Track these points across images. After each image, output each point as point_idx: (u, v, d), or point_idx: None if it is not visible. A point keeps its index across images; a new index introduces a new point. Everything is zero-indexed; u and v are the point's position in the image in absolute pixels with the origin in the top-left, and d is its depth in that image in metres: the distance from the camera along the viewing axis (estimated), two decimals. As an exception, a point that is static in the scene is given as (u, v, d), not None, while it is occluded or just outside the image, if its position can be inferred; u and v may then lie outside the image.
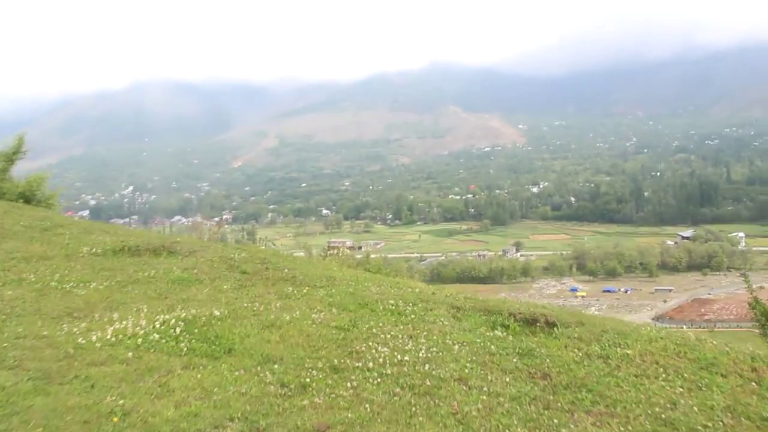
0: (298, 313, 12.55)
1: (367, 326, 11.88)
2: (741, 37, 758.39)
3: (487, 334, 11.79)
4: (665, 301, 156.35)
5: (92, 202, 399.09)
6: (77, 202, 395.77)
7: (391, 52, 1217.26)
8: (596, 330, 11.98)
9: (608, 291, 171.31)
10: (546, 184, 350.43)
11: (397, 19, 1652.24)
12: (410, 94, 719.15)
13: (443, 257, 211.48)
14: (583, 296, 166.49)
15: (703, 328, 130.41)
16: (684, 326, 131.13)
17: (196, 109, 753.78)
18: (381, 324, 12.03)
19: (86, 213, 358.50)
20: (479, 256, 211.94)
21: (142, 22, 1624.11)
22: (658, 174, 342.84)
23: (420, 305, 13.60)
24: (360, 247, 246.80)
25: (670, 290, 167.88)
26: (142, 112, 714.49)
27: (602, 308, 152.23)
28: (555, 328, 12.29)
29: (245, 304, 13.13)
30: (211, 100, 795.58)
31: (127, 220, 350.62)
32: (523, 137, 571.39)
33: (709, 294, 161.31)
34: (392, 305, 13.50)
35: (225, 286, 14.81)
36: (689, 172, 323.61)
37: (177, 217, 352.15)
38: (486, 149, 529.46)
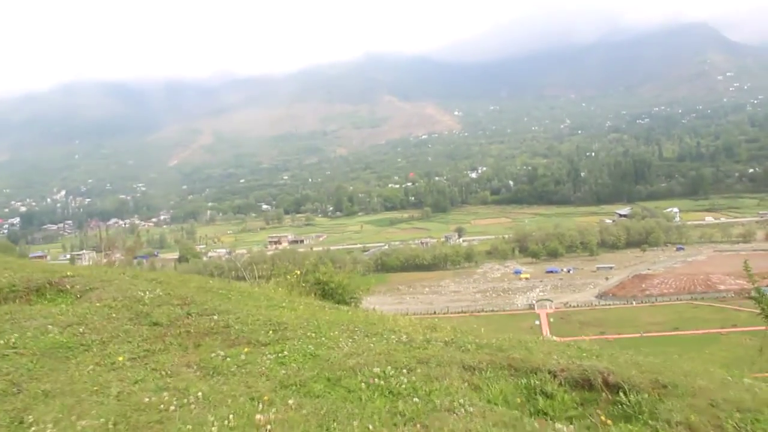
0: (232, 414, 7.19)
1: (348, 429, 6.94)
2: (665, 19, 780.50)
3: (526, 420, 7.24)
4: (607, 279, 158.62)
5: (23, 209, 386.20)
6: (6, 210, 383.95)
7: (326, 44, 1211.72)
8: (698, 401, 7.72)
9: (551, 272, 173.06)
10: (484, 168, 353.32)
11: (332, 10, 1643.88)
12: (345, 85, 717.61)
13: (386, 246, 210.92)
14: (527, 278, 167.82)
15: (645, 303, 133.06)
16: (627, 302, 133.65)
17: (128, 108, 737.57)
18: (370, 425, 6.93)
19: (17, 220, 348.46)
20: (422, 243, 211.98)
21: (67, 21, 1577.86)
22: (593, 154, 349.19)
23: (419, 371, 8.83)
24: (302, 241, 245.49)
25: (611, 267, 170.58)
26: (71, 114, 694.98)
27: (546, 289, 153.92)
28: (625, 395, 8.03)
29: (147, 399, 7.65)
30: (142, 98, 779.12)
31: (61, 225, 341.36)
32: (459, 124, 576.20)
33: (649, 269, 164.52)
34: (378, 377, 8.58)
35: (121, 357, 9.37)
36: (623, 151, 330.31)
37: (113, 220, 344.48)
38: (423, 137, 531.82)
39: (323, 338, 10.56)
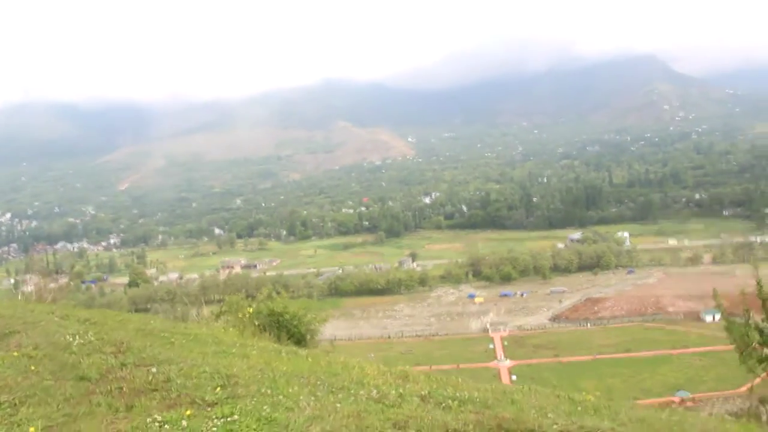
0: None
1: None
2: (614, 50, 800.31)
3: None
4: (560, 302, 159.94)
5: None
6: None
7: (284, 69, 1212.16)
8: None
9: (505, 295, 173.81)
10: (438, 194, 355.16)
11: (290, 35, 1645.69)
12: (301, 110, 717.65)
13: (340, 271, 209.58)
14: (480, 302, 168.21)
15: (598, 325, 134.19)
16: (580, 325, 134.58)
17: (77, 130, 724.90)
18: None
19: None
20: (376, 268, 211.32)
21: (13, 39, 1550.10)
22: (545, 180, 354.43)
23: None
24: (255, 266, 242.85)
25: (564, 291, 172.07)
26: (18, 135, 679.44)
27: (500, 312, 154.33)
28: None
29: None
30: (92, 120, 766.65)
31: (6, 248, 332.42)
32: (412, 150, 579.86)
33: (601, 292, 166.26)
34: None
35: (32, 428, 7.46)
36: (574, 177, 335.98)
37: (61, 243, 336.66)
38: (377, 163, 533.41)
39: (280, 396, 8.75)
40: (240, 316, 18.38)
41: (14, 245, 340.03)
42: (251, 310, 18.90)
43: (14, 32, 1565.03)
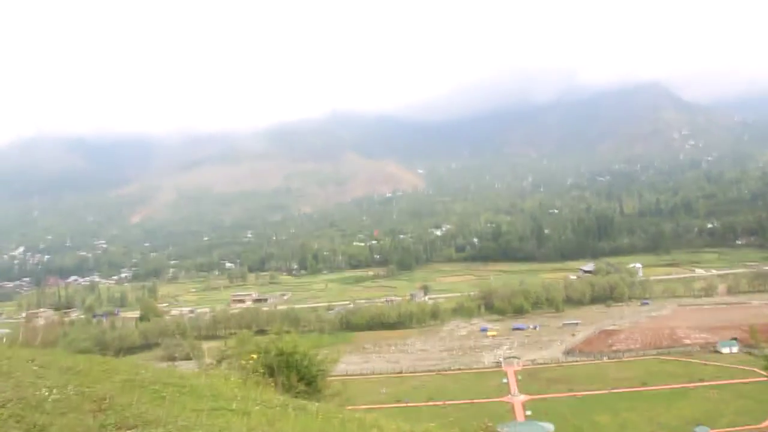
0: None
1: None
2: (619, 78, 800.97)
3: None
4: (573, 335, 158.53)
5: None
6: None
7: (292, 102, 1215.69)
8: None
9: (518, 329, 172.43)
10: (448, 226, 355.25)
11: (299, 68, 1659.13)
12: (309, 142, 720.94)
13: (351, 305, 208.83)
14: (494, 335, 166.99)
15: (612, 358, 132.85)
16: (594, 358, 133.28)
17: (88, 164, 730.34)
18: None
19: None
20: (388, 301, 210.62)
21: (23, 74, 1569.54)
22: (556, 211, 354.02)
23: None
24: (266, 300, 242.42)
25: (577, 323, 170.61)
26: (30, 169, 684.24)
27: (513, 346, 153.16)
28: None
29: None
30: (103, 154, 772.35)
31: (18, 282, 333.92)
32: (422, 181, 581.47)
33: (614, 325, 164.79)
34: None
35: None
36: (585, 208, 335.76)
37: (73, 277, 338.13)
38: (387, 195, 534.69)
39: None
40: (244, 362, 17.03)
41: (27, 279, 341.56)
42: (255, 356, 17.46)
43: (27, 68, 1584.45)
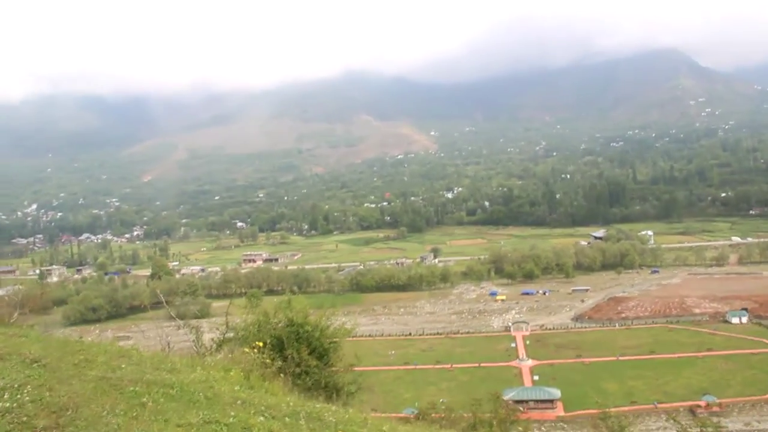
0: None
1: None
2: (637, 44, 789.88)
3: None
4: (583, 301, 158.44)
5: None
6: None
7: (305, 61, 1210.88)
8: None
9: (527, 293, 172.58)
10: (460, 189, 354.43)
11: (312, 26, 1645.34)
12: (322, 103, 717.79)
13: (361, 266, 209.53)
14: (502, 300, 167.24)
15: (621, 325, 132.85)
16: (603, 325, 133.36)
17: (103, 122, 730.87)
18: None
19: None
20: (398, 263, 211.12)
21: (39, 31, 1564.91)
22: (568, 176, 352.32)
23: None
24: (276, 259, 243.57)
25: (587, 290, 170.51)
26: (44, 127, 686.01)
27: (522, 311, 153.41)
28: None
29: None
30: (117, 113, 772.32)
31: (31, 239, 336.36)
32: (434, 144, 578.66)
33: (624, 292, 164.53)
34: None
35: None
36: (597, 174, 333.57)
37: (85, 235, 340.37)
38: (399, 157, 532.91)
39: None
40: (247, 350, 14.41)
41: (39, 236, 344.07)
42: (261, 344, 15.00)
43: (43, 26, 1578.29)
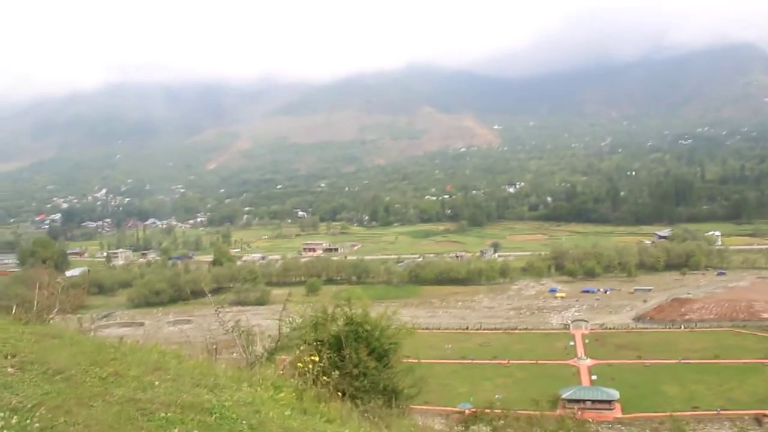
0: None
1: None
2: (709, 39, 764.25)
3: None
4: (645, 301, 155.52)
5: (64, 205, 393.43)
6: (49, 206, 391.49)
7: (369, 52, 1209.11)
8: None
9: (587, 291, 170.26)
10: (522, 184, 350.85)
11: (378, 18, 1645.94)
12: (384, 94, 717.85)
13: (420, 258, 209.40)
14: (562, 297, 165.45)
15: (684, 328, 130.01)
16: (665, 326, 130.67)
17: (169, 110, 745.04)
18: None
19: (58, 216, 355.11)
20: (457, 257, 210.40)
21: (111, 22, 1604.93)
22: (634, 173, 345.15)
23: None
24: (336, 249, 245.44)
25: (650, 290, 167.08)
26: (115, 115, 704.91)
27: (582, 309, 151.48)
28: None
29: None
30: (183, 101, 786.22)
31: (100, 223, 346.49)
32: (498, 138, 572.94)
33: (689, 293, 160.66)
34: None
35: None
36: (664, 172, 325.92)
37: (151, 220, 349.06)
38: (461, 150, 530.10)
39: None
40: (301, 365, 12.80)
41: (108, 220, 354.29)
42: (316, 358, 13.17)
43: (115, 16, 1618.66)
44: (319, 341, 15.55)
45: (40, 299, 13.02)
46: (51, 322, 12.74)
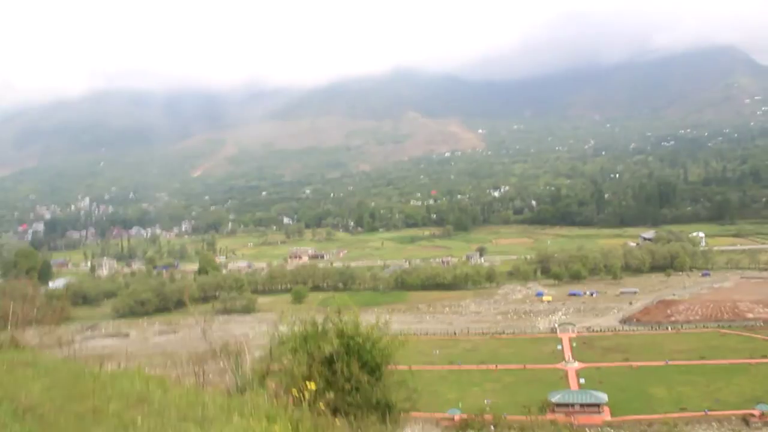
0: None
1: None
2: (693, 41, 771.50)
3: None
4: (631, 303, 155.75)
5: (47, 215, 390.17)
6: (32, 215, 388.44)
7: (354, 57, 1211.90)
8: None
9: (574, 294, 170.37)
10: (507, 188, 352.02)
11: (363, 23, 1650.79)
12: (370, 100, 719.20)
13: (407, 264, 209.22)
14: (549, 301, 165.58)
15: (671, 329, 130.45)
16: (651, 328, 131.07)
17: (154, 117, 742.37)
18: None
19: (41, 226, 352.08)
20: (443, 262, 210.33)
21: (97, 28, 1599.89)
22: (617, 176, 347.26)
23: None
24: (322, 256, 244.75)
25: (635, 292, 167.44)
26: (99, 122, 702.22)
27: (569, 312, 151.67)
28: None
29: None
30: (168, 108, 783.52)
31: (84, 232, 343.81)
32: (482, 142, 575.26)
33: (674, 295, 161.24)
34: None
35: None
36: (647, 174, 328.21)
37: (135, 228, 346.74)
38: (446, 154, 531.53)
39: None
40: (296, 393, 11.49)
41: (92, 229, 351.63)
42: (314, 385, 11.71)
43: (99, 22, 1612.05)
44: (310, 355, 14.34)
45: (16, 317, 11.93)
46: (27, 342, 11.69)
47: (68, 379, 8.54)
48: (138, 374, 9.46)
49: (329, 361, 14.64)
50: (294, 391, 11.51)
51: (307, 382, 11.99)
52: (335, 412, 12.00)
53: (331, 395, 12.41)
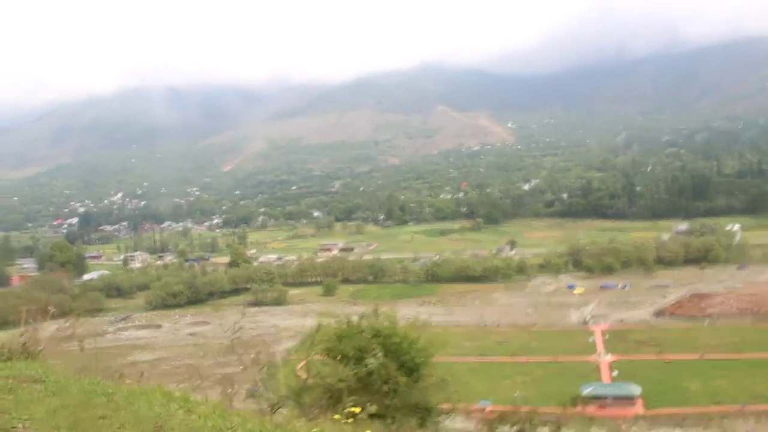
0: None
1: None
2: (724, 33, 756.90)
3: None
4: (664, 297, 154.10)
5: (81, 210, 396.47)
6: (66, 210, 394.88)
7: (381, 52, 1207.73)
8: None
9: (606, 287, 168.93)
10: (537, 181, 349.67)
11: (389, 18, 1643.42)
12: (398, 94, 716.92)
13: (437, 257, 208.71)
14: (580, 293, 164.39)
15: (705, 323, 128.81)
16: (685, 321, 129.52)
17: (185, 113, 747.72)
18: None
19: (75, 221, 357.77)
20: (473, 255, 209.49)
21: (129, 26, 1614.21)
22: (649, 169, 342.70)
23: None
24: (352, 249, 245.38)
25: (668, 285, 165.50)
26: (131, 119, 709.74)
27: (601, 305, 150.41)
28: None
29: None
30: (198, 103, 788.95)
31: (117, 226, 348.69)
32: (512, 135, 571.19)
33: (708, 288, 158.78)
34: None
35: None
36: (680, 166, 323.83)
37: (167, 222, 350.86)
38: (476, 148, 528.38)
39: None
40: (338, 417, 10.25)
41: (124, 223, 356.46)
42: (357, 410, 10.55)
43: (127, 20, 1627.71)
44: (344, 356, 14.54)
45: (32, 316, 10.80)
46: (46, 344, 10.59)
47: (78, 400, 7.53)
48: (158, 391, 8.62)
49: (363, 361, 14.50)
50: (337, 416, 10.35)
51: (348, 402, 11.20)
52: (372, 416, 11.24)
53: (373, 408, 11.23)
